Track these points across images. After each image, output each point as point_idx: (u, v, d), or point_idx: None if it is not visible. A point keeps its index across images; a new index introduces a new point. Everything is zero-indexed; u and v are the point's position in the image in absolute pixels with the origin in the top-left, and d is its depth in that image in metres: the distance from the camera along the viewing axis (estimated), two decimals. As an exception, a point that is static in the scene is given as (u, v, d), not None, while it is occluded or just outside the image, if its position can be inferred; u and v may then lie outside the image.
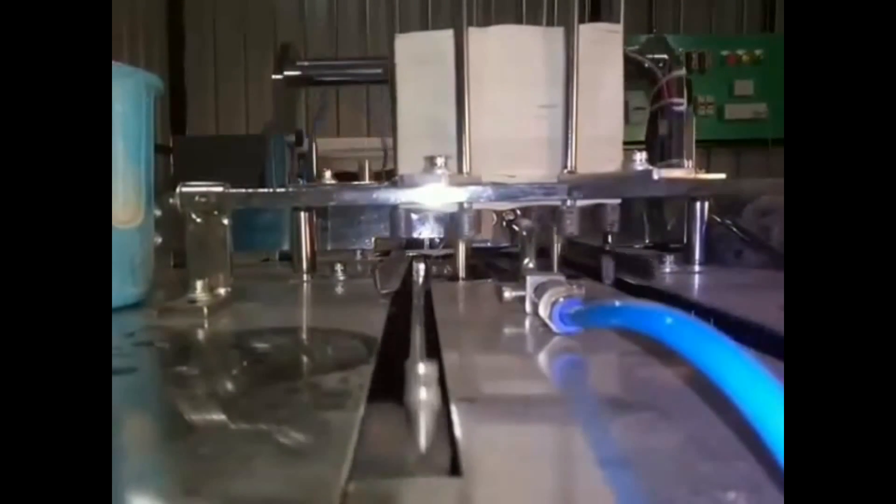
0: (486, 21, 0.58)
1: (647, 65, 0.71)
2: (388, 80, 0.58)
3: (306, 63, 0.84)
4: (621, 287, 0.50)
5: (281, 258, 0.70)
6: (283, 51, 0.82)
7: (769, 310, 0.34)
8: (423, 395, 0.22)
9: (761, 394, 0.15)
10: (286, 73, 0.80)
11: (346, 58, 1.10)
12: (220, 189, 0.42)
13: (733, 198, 0.62)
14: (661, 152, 0.72)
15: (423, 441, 0.20)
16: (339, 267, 0.55)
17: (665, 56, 0.73)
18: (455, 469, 0.17)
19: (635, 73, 0.71)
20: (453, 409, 0.21)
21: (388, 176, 0.67)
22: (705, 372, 0.17)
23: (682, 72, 0.72)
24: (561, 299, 0.31)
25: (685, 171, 0.47)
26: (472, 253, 0.71)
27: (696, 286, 0.52)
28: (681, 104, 0.71)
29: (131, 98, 0.40)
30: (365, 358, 0.27)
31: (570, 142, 0.54)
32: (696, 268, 0.59)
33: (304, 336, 0.35)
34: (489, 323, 0.37)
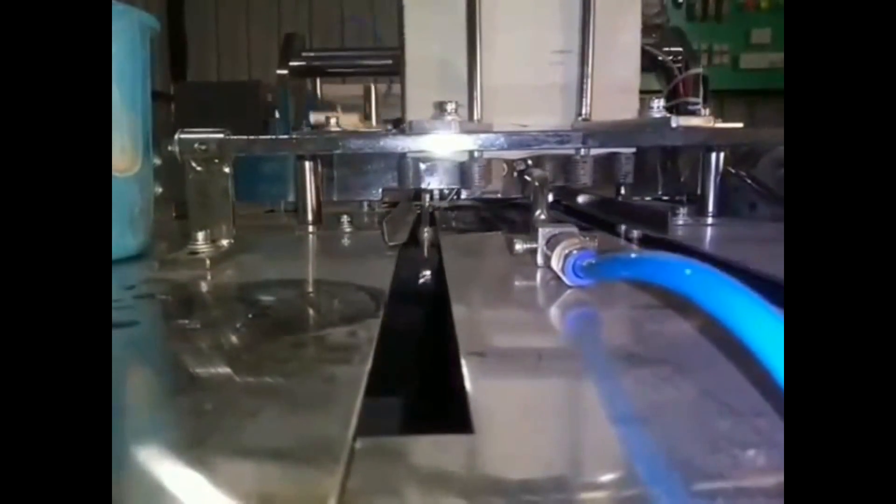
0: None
1: (661, 58, 0.69)
2: (397, 71, 0.56)
3: (312, 54, 0.81)
4: (632, 240, 0.49)
5: (285, 209, 0.69)
6: (287, 41, 0.78)
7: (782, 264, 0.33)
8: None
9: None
10: (291, 63, 0.77)
11: (354, 49, 1.08)
12: (220, 136, 0.41)
13: (749, 149, 0.60)
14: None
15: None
16: (345, 218, 0.54)
17: (680, 49, 0.70)
18: (466, 426, 0.17)
19: (650, 67, 0.68)
20: (463, 363, 0.20)
21: (395, 124, 0.66)
22: (728, 325, 0.16)
23: (700, 70, 0.70)
24: (574, 251, 0.30)
25: (703, 120, 0.46)
26: (483, 204, 0.70)
27: (709, 238, 0.51)
28: (696, 104, 0.69)
29: (126, 39, 0.38)
30: (373, 311, 0.27)
31: (584, 88, 0.52)
32: (710, 220, 0.58)
33: (310, 289, 0.35)
34: (500, 276, 0.37)
